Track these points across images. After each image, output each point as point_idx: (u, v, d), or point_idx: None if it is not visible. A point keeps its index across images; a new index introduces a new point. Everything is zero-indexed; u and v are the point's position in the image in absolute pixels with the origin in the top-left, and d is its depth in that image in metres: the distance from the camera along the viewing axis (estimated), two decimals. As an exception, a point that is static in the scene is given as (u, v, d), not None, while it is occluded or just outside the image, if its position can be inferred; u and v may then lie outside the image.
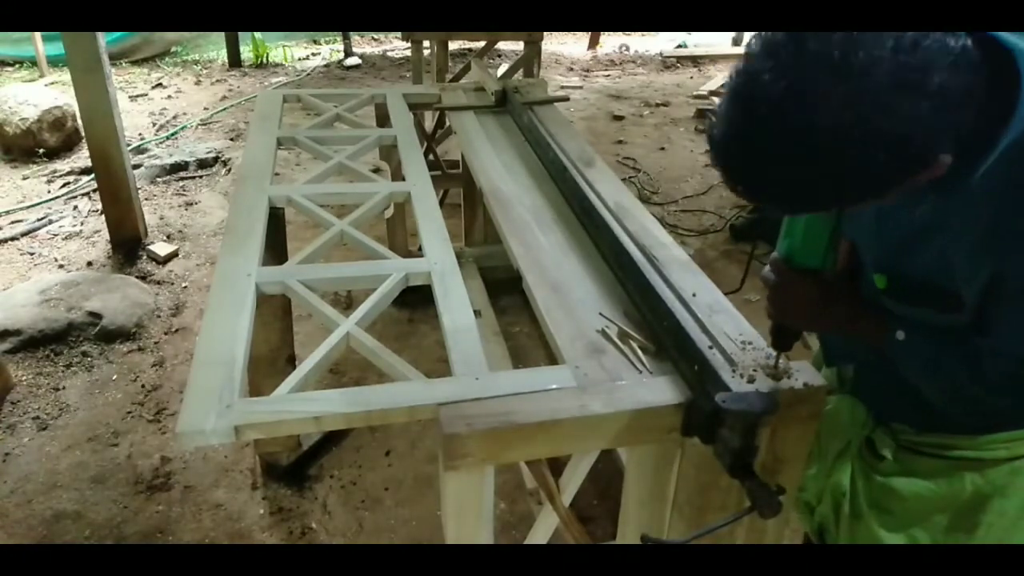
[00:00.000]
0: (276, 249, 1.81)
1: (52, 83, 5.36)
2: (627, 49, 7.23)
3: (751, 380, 1.15)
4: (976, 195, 0.86)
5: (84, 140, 4.02)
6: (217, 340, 1.25)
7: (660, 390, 1.16)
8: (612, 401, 1.14)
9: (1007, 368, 0.92)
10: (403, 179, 1.92)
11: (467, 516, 1.18)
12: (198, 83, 5.87)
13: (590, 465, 1.38)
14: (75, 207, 3.85)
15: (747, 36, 0.80)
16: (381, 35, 7.33)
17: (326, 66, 6.49)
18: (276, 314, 2.05)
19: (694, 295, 1.38)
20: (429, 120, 3.44)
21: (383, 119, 2.52)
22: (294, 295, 1.45)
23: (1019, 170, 0.82)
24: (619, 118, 5.39)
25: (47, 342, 2.77)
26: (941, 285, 0.95)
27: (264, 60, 6.41)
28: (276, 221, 1.80)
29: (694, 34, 7.25)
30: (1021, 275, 0.85)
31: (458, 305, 1.39)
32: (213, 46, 6.57)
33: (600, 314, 1.34)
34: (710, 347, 1.23)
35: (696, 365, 1.15)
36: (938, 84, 0.71)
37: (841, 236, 1.04)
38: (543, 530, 1.58)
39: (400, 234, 2.94)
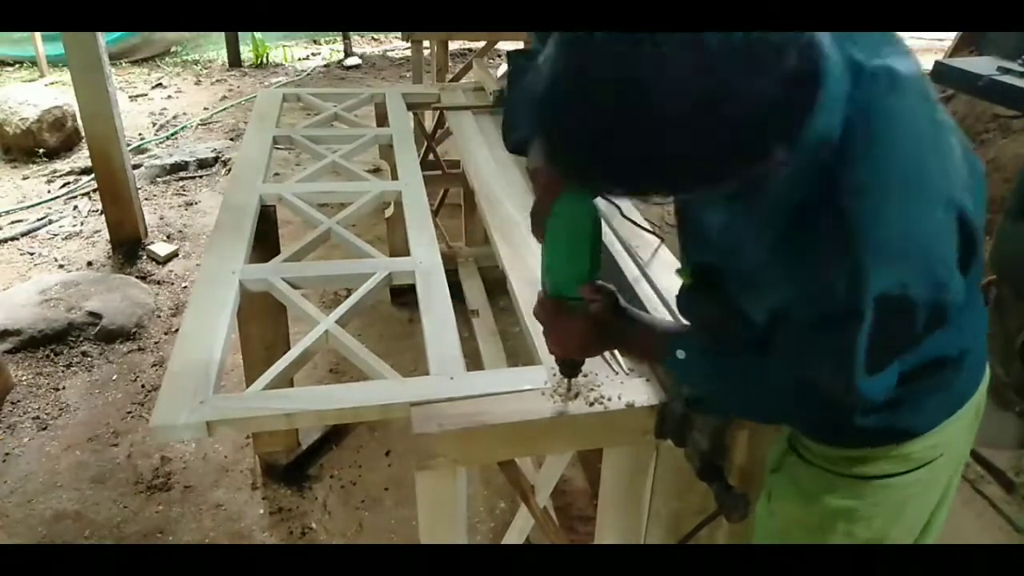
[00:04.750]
0: (267, 247, 1.80)
1: (52, 83, 5.36)
2: (627, 49, 7.22)
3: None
4: (768, 203, 0.78)
5: (84, 140, 4.03)
6: (196, 337, 1.25)
7: (635, 391, 1.16)
8: (586, 401, 1.13)
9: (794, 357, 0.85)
10: (401, 179, 1.92)
11: (440, 517, 1.17)
12: (198, 83, 5.87)
13: (565, 465, 1.37)
14: (75, 207, 3.85)
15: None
16: (381, 35, 7.33)
17: (326, 66, 6.49)
18: (271, 311, 2.05)
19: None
20: (430, 120, 3.44)
21: (383, 119, 2.52)
22: (277, 292, 1.44)
23: (803, 191, 0.75)
24: (619, 118, 5.37)
25: (47, 342, 2.77)
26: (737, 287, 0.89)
27: (264, 60, 6.41)
28: (267, 219, 1.80)
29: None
30: (802, 300, 0.79)
31: (439, 304, 1.38)
32: (213, 46, 6.57)
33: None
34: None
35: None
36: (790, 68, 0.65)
37: (598, 272, 1.02)
38: (518, 530, 1.56)
39: (400, 233, 2.93)
